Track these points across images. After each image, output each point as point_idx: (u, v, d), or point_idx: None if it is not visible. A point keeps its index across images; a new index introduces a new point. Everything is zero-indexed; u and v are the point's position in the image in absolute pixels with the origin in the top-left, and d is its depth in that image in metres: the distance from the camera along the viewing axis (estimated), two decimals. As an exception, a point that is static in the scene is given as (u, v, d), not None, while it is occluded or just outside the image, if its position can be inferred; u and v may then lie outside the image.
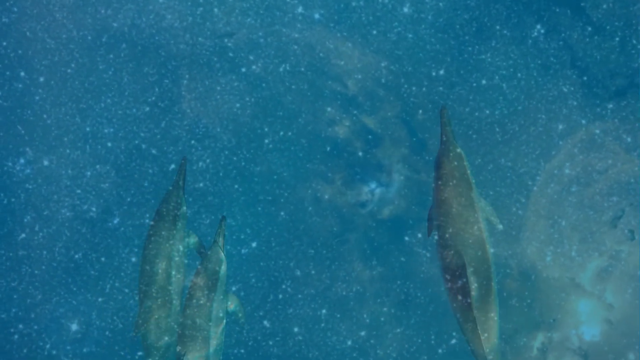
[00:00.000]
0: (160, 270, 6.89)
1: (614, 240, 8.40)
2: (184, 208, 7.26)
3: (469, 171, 6.36)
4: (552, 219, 8.57)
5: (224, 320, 6.85)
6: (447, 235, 6.16)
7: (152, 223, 7.12)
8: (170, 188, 7.36)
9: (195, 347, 6.61)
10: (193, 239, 7.33)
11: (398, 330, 8.54)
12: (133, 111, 9.30)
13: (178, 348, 6.64)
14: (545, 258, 8.48)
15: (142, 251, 6.98)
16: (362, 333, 8.60)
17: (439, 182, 6.29)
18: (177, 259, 7.06)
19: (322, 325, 8.65)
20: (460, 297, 5.98)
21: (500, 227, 6.38)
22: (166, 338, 6.94)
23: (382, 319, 8.56)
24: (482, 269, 6.00)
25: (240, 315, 7.13)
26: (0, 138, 9.09)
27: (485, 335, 5.95)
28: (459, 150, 6.43)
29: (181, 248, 7.08)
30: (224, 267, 6.85)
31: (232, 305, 7.06)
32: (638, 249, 8.24)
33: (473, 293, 5.86)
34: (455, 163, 6.32)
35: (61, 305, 8.81)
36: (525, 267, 8.53)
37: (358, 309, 8.70)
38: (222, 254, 6.87)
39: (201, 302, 6.68)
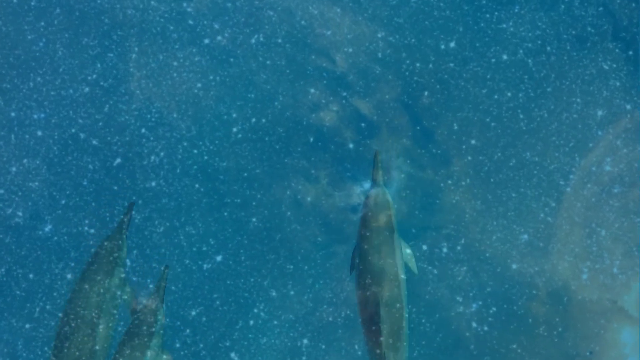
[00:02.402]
0: (84, 324, 7.15)
1: (665, 254, 8.06)
2: (124, 254, 7.64)
3: (393, 216, 7.48)
4: (589, 228, 8.18)
5: None
6: (364, 278, 7.24)
7: (84, 268, 7.44)
8: (112, 232, 7.72)
9: None
10: (127, 292, 7.56)
11: (397, 365, 8.02)
12: (69, 92, 8.75)
13: None
14: (580, 276, 8.06)
15: (68, 298, 7.31)
16: (353, 368, 8.32)
17: (364, 224, 7.45)
18: (107, 312, 7.31)
19: (303, 358, 8.09)
20: (372, 338, 7.09)
21: (416, 272, 7.52)
22: None
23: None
24: (395, 311, 7.09)
25: None
26: None
27: None
28: (386, 194, 7.55)
29: (114, 300, 7.37)
30: (161, 320, 7.17)
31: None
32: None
33: (384, 334, 6.93)
34: (381, 206, 7.45)
35: (-21, 333, 8.30)
36: (556, 287, 8.05)
37: (348, 339, 8.12)
38: (161, 305, 7.22)
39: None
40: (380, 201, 7.50)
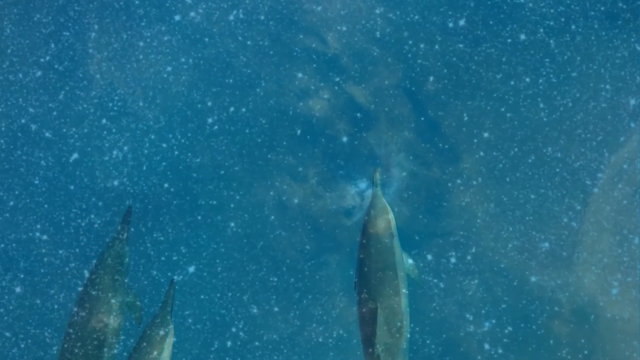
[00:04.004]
0: (92, 334, 7.56)
1: None
2: (127, 261, 7.95)
3: (394, 229, 7.80)
4: (620, 235, 8.00)
5: None
6: (361, 292, 7.49)
7: (88, 277, 7.81)
8: (112, 238, 8.03)
9: None
10: (134, 302, 7.94)
11: (398, 393, 8.38)
12: (18, 77, 8.79)
13: None
14: (609, 290, 7.87)
15: (73, 309, 7.59)
16: (346, 397, 8.36)
17: (363, 240, 7.71)
18: (112, 323, 7.74)
19: (289, 384, 8.48)
20: (368, 352, 7.32)
21: (422, 286, 7.93)
22: None
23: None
24: (395, 331, 7.31)
25: None
26: None
27: None
28: (386, 207, 7.91)
29: (118, 310, 7.79)
30: (169, 339, 7.51)
31: None
32: None
33: (381, 357, 7.08)
34: (381, 220, 7.78)
35: None
36: (582, 304, 7.88)
37: (340, 362, 8.44)
38: (170, 322, 7.55)
39: None
40: (381, 215, 7.69)
